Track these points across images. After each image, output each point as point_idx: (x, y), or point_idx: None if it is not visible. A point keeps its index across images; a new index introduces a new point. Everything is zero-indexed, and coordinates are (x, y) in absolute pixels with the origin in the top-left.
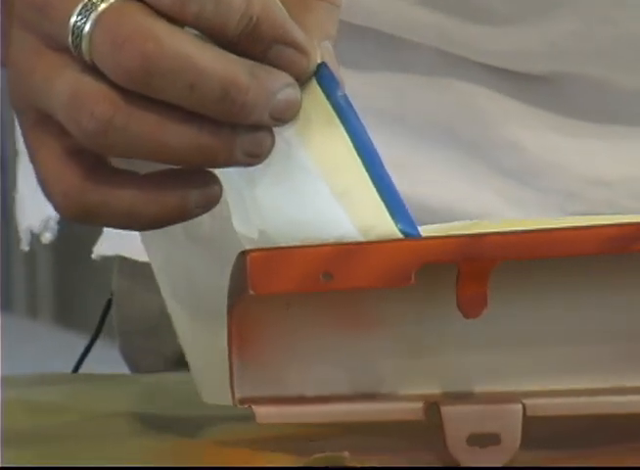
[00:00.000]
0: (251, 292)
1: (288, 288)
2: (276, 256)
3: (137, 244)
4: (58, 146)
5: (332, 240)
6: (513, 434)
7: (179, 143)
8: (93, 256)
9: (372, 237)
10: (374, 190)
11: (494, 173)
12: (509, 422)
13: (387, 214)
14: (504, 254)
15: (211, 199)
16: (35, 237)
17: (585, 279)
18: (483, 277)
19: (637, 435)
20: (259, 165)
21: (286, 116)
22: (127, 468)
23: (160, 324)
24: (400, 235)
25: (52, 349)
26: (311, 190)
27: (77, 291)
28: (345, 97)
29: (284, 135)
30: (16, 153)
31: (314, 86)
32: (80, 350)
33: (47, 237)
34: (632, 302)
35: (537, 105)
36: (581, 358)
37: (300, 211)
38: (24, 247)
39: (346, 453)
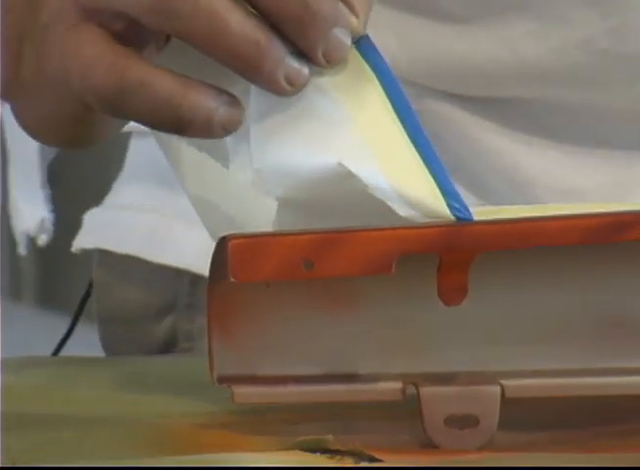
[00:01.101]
0: (232, 279)
1: (268, 276)
2: (257, 243)
3: (116, 236)
4: (104, 32)
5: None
6: (491, 416)
7: (240, 30)
8: (73, 249)
9: (419, 209)
10: (418, 158)
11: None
12: (487, 404)
13: (436, 190)
14: (486, 244)
15: (235, 120)
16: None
17: (566, 266)
18: (464, 267)
19: (615, 417)
20: (281, 104)
21: (334, 56)
22: (127, 468)
23: (140, 315)
24: (450, 214)
25: (35, 331)
26: (338, 136)
27: (61, 273)
28: (387, 65)
29: (320, 83)
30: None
31: (354, 52)
32: (63, 332)
33: (43, 239)
34: (614, 288)
35: (506, 123)
36: (561, 343)
37: (310, 156)
38: (22, 251)
39: (330, 436)
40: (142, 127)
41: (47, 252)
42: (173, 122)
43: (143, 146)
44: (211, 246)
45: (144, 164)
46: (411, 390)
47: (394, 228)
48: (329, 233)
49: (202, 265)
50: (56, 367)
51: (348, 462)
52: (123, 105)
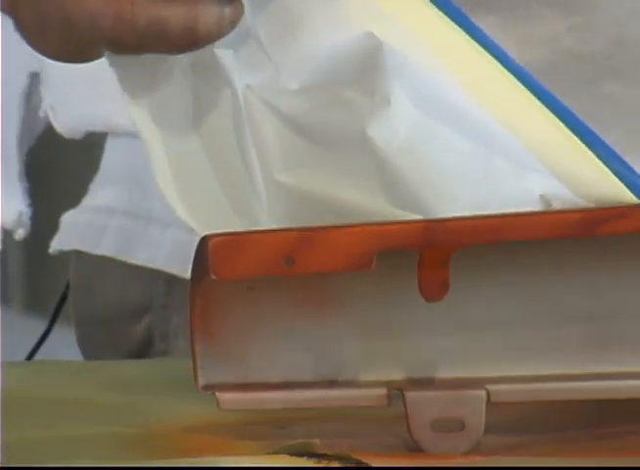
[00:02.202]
0: (213, 276)
1: (249, 273)
2: (238, 241)
3: (92, 238)
4: None
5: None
6: (477, 420)
7: None
8: (50, 250)
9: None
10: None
11: None
12: (473, 408)
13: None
14: (466, 238)
15: (239, 12)
16: (8, 234)
17: (550, 263)
18: (445, 262)
19: (603, 419)
20: None
21: None
22: (127, 468)
23: (116, 316)
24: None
25: (22, 336)
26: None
27: (47, 278)
28: None
29: None
30: None
31: None
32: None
33: (20, 233)
34: (597, 285)
35: None
36: (546, 343)
37: None
38: None
39: (317, 441)
40: (117, 127)
41: (34, 255)
42: (190, 44)
43: (117, 147)
44: (187, 245)
45: (118, 166)
46: (396, 395)
47: (374, 224)
48: (309, 230)
49: (176, 266)
50: (37, 371)
51: (335, 466)
52: (139, 45)
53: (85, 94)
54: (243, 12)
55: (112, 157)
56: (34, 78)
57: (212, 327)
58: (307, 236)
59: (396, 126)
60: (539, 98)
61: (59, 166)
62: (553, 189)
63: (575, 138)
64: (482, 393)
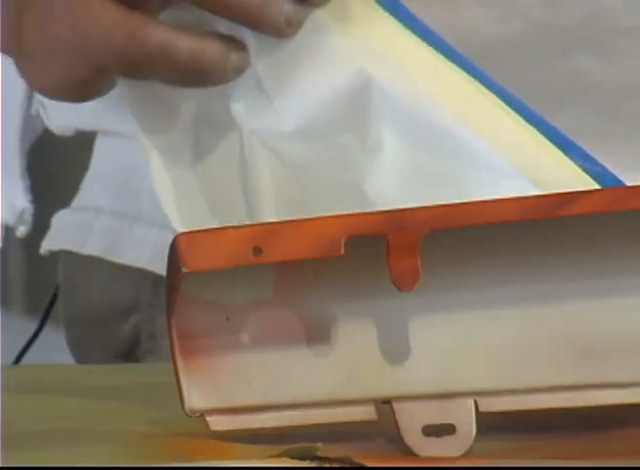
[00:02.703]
0: (184, 270)
1: (219, 264)
2: (206, 234)
3: (79, 238)
4: (115, 1)
5: None
6: (468, 424)
7: None
8: (41, 251)
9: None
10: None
11: None
12: (462, 414)
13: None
14: (430, 224)
15: (245, 62)
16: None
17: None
18: (413, 248)
19: (594, 424)
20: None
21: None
22: (129, 468)
23: (105, 316)
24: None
25: (22, 339)
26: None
27: (48, 280)
28: None
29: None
30: None
31: None
32: (47, 339)
33: (22, 230)
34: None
35: None
36: (532, 359)
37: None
38: None
39: (319, 444)
40: (105, 127)
41: (35, 260)
42: (194, 76)
43: (106, 146)
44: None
45: (106, 166)
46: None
47: (341, 215)
48: (277, 223)
49: (160, 266)
50: (24, 376)
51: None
52: (148, 68)
53: None
54: (249, 62)
55: (100, 156)
56: None
57: (193, 354)
58: (275, 227)
59: (388, 179)
60: (499, 97)
61: (61, 164)
62: (526, 190)
63: (540, 136)
64: (470, 401)
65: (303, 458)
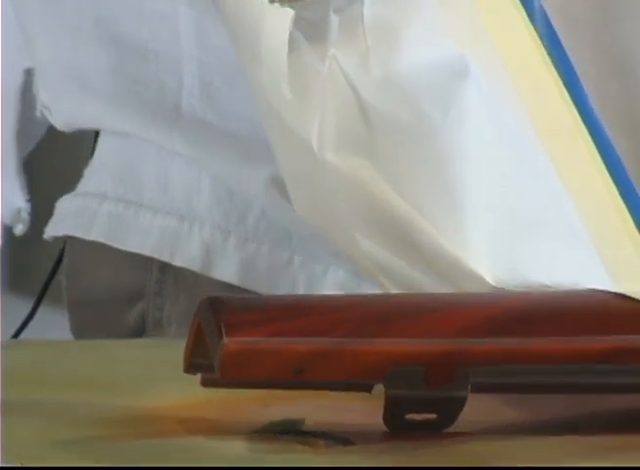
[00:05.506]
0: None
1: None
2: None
3: (84, 224)
4: None
5: None
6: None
7: None
8: (45, 236)
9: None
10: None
11: None
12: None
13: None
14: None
15: None
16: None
17: None
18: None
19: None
20: None
21: None
22: (131, 468)
23: (110, 299)
24: None
25: (7, 316)
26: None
27: (33, 257)
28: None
29: None
30: None
31: None
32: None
33: (20, 229)
34: None
35: None
36: None
37: None
38: None
39: (302, 418)
40: (107, 128)
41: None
42: None
43: (110, 139)
44: (176, 233)
45: (111, 152)
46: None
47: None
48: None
49: (165, 254)
50: (25, 350)
51: (320, 444)
52: None
53: (75, 95)
54: None
55: (106, 143)
56: (29, 75)
57: None
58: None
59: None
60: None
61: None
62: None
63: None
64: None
65: (287, 432)
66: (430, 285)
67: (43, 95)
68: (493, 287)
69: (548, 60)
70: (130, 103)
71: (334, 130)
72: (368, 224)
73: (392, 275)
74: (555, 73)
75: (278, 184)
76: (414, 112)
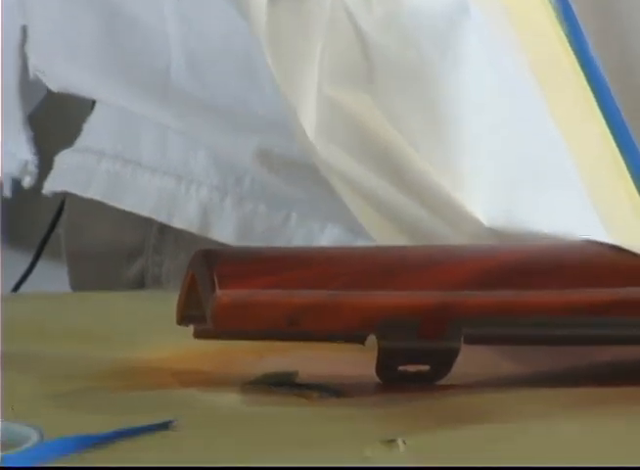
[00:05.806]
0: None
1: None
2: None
3: (82, 181)
4: None
5: None
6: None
7: None
8: (44, 191)
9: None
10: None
11: None
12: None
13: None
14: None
15: None
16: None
17: None
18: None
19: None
20: None
21: None
22: (133, 469)
23: (110, 254)
24: None
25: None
26: None
27: (30, 211)
28: None
29: None
30: None
31: None
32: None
33: (27, 181)
34: None
35: None
36: None
37: None
38: (7, 193)
39: (295, 370)
40: (100, 98)
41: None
42: None
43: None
44: (173, 193)
45: (110, 108)
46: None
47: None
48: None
49: (163, 214)
50: (24, 303)
51: (314, 396)
52: None
53: (65, 60)
54: None
55: (102, 106)
56: (25, 33)
57: None
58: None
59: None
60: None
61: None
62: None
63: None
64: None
65: (280, 385)
66: (418, 215)
67: (34, 58)
68: (487, 228)
69: (550, 7)
70: (120, 74)
71: (335, 64)
72: (361, 154)
73: (369, 195)
74: (556, 22)
75: (265, 156)
76: (414, 51)
